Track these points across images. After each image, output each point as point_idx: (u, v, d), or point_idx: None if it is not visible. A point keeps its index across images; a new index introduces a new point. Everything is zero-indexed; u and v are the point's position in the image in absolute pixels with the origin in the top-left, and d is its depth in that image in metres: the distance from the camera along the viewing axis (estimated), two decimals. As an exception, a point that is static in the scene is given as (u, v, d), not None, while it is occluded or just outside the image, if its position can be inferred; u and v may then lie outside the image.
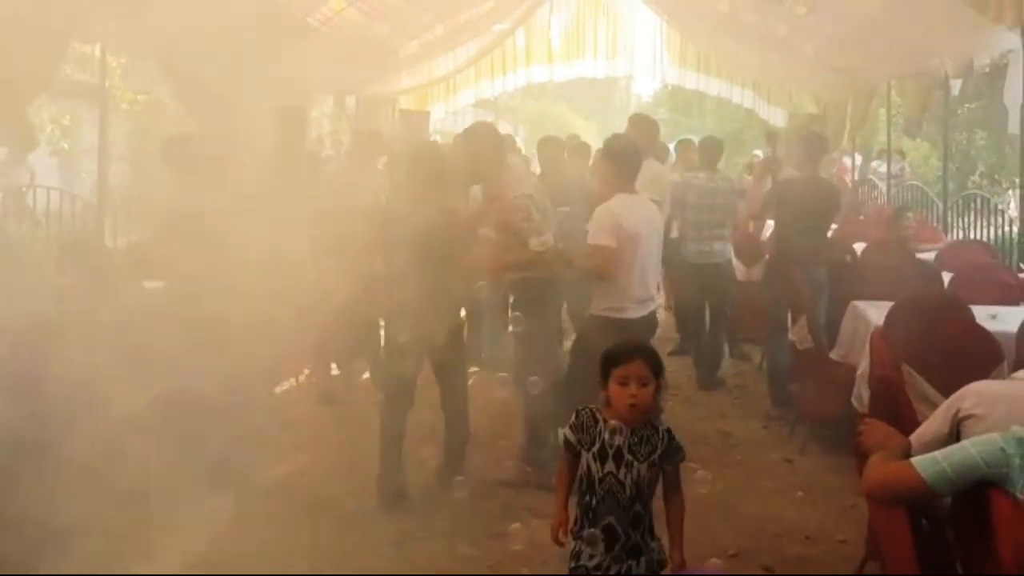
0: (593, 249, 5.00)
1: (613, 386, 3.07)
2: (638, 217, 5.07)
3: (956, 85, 9.32)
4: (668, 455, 3.09)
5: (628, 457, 3.04)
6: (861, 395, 5.02)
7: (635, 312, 5.07)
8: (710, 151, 8.06)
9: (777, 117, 13.41)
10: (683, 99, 25.50)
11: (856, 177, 14.66)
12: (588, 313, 5.22)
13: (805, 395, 6.16)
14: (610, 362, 3.10)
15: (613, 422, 3.06)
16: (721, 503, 4.83)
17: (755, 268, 7.59)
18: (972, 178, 15.88)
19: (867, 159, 15.47)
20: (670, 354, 8.46)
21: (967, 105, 13.92)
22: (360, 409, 6.38)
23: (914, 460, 2.64)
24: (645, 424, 3.10)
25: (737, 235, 8.08)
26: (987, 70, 8.96)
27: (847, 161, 14.28)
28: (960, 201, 11.15)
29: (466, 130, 5.56)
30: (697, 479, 3.84)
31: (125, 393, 4.11)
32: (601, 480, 3.05)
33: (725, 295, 7.74)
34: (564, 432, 3.17)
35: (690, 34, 11.80)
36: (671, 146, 11.15)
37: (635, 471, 3.04)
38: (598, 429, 3.09)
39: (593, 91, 28.28)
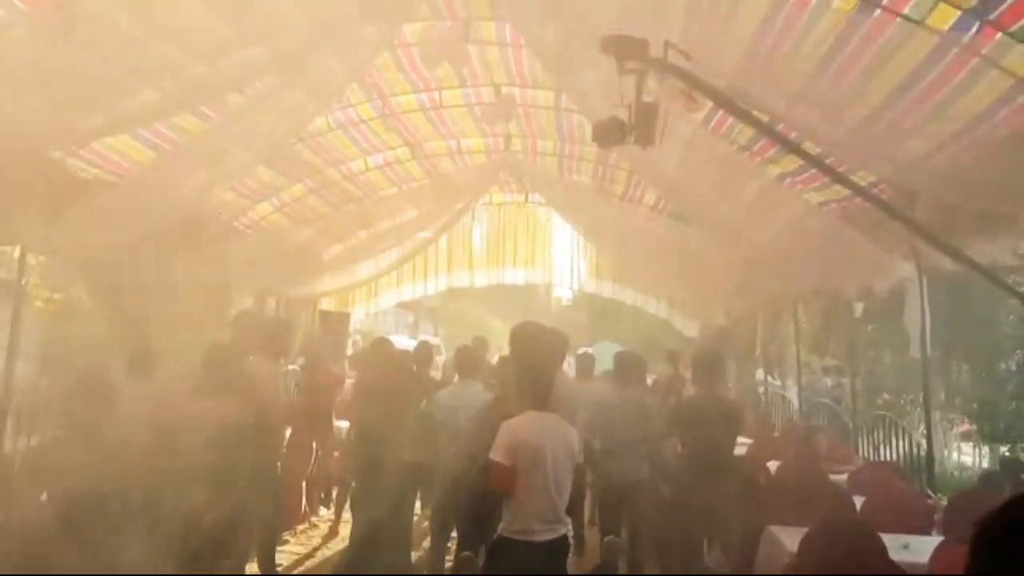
0: (489, 465, 4.93)
1: None
2: (543, 435, 4.94)
3: (859, 307, 9.69)
4: None
5: None
6: (779, 628, 4.94)
7: (542, 535, 4.89)
8: (623, 367, 7.89)
9: (691, 328, 13.75)
10: (601, 305, 26.09)
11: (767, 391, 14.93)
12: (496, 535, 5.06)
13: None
14: None
15: None
16: None
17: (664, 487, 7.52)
18: (882, 396, 16.26)
19: (781, 375, 15.80)
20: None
21: (870, 326, 14.43)
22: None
23: None
24: None
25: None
26: (887, 295, 9.34)
27: (759, 375, 14.57)
28: (869, 421, 11.35)
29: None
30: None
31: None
32: None
33: (642, 515, 7.63)
34: None
35: (604, 247, 12.17)
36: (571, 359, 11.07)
37: None
38: None
39: (514, 294, 28.77)
